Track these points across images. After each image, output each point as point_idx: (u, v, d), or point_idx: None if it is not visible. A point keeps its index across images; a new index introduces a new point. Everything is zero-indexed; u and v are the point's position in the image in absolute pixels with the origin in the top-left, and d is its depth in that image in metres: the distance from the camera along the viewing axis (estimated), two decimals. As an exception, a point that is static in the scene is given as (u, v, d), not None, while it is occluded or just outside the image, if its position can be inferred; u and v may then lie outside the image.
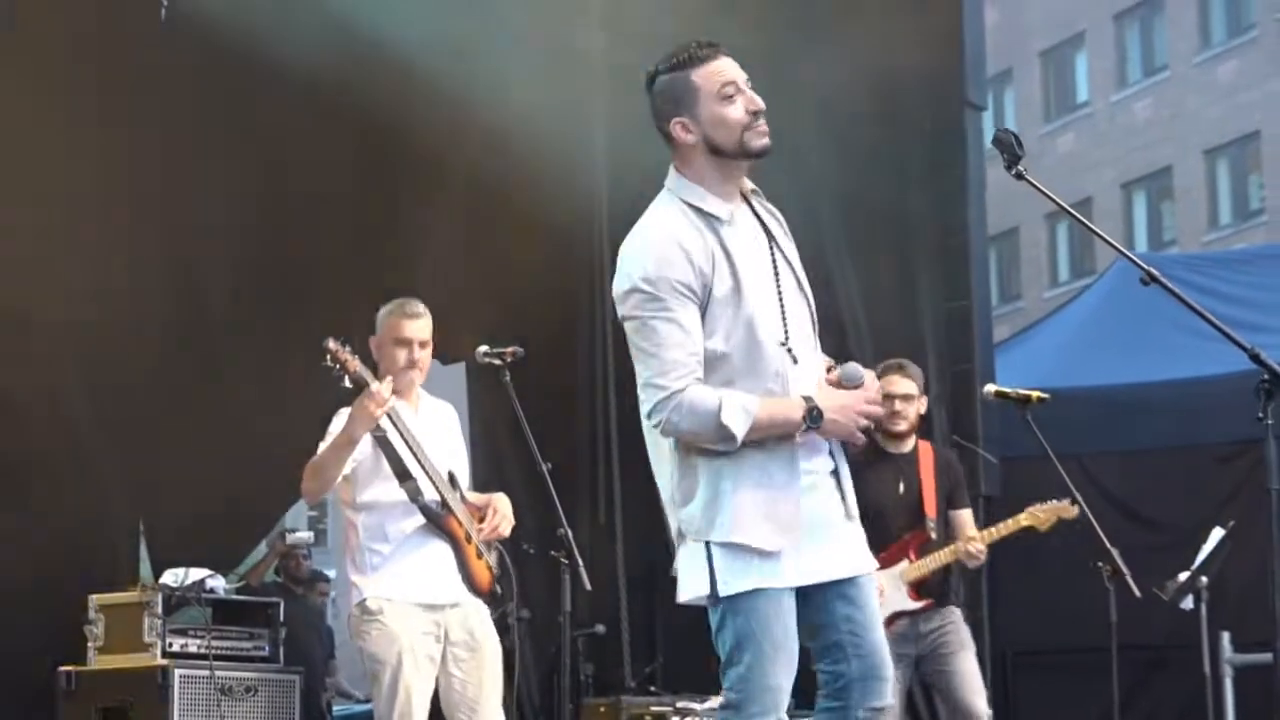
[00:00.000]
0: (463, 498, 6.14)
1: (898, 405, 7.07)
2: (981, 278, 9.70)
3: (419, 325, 6.11)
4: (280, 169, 8.86)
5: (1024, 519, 7.02)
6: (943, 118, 9.40)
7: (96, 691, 7.25)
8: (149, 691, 7.10)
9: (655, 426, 4.15)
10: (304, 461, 6.05)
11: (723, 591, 4.10)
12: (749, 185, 4.32)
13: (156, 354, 8.95)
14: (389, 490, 6.00)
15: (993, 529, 7.07)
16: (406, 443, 5.98)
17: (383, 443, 5.98)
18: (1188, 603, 7.67)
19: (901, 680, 7.01)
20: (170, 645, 7.21)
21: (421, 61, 8.42)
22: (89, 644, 7.34)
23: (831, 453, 4.26)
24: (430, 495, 6.02)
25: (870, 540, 6.88)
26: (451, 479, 6.10)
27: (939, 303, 9.42)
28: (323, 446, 5.97)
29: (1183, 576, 7.66)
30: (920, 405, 7.17)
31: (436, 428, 6.19)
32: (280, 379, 8.59)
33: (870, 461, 7.05)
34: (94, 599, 7.40)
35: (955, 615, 7.13)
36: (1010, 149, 4.22)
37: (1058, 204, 4.26)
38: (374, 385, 5.83)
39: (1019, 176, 4.22)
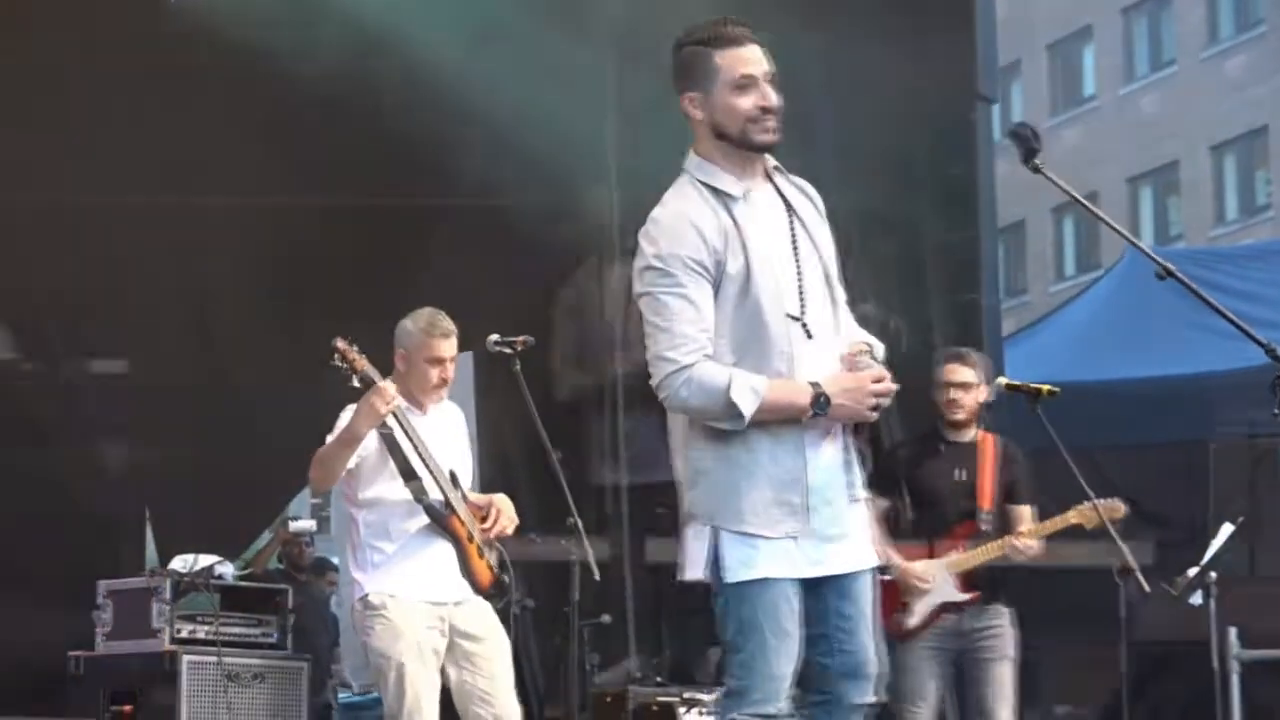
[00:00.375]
0: (464, 497, 6.15)
1: (953, 394, 7.00)
2: (991, 271, 9.69)
3: (452, 344, 6.14)
4: (289, 167, 8.90)
5: (1072, 516, 6.90)
6: (953, 110, 9.39)
7: (105, 677, 7.27)
8: (157, 677, 7.13)
9: (663, 400, 4.17)
10: (309, 451, 6.07)
11: (728, 579, 4.12)
12: (771, 162, 4.32)
13: (164, 344, 8.98)
14: (393, 489, 6.03)
15: (1040, 525, 6.99)
16: (412, 442, 5.99)
17: (389, 441, 6.00)
18: (1196, 598, 7.65)
19: (940, 676, 6.96)
20: (178, 631, 7.23)
21: (432, 64, 8.46)
22: (98, 629, 7.35)
23: (845, 444, 4.26)
24: (434, 495, 6.04)
25: (925, 528, 6.94)
26: (453, 478, 6.12)
27: (947, 296, 9.41)
28: (329, 439, 5.99)
29: (1192, 572, 7.63)
30: (981, 394, 7.05)
31: (442, 428, 6.21)
32: (287, 370, 8.62)
33: (931, 449, 7.03)
34: (103, 584, 7.42)
35: (1003, 618, 6.99)
36: (1027, 142, 4.23)
37: (1076, 199, 4.26)
38: (381, 383, 5.85)
39: (1035, 170, 4.22)
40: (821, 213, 4.36)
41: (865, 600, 4.24)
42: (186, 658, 7.13)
